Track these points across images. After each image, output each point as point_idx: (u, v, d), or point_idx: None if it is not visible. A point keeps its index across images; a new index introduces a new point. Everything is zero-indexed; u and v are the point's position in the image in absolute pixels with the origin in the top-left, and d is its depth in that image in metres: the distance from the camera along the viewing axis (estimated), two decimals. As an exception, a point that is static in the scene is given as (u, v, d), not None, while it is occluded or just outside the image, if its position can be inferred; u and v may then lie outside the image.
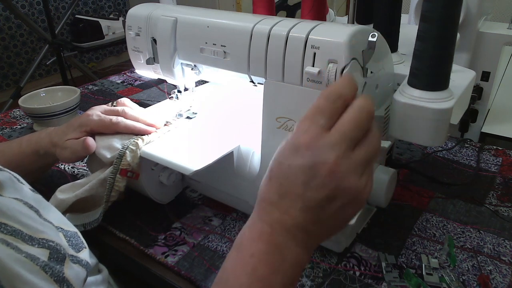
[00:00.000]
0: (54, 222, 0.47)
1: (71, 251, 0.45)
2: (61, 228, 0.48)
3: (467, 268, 0.55)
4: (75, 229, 0.50)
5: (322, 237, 0.41)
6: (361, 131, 0.38)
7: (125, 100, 0.68)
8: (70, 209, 0.61)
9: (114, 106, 0.67)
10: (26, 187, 0.49)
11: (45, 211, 0.48)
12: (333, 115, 0.38)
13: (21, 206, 0.45)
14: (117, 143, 0.61)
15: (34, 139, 0.66)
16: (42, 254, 0.40)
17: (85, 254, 0.48)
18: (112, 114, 0.64)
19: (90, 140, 0.62)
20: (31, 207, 0.46)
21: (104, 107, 0.66)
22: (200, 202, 0.70)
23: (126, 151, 0.59)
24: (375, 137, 0.40)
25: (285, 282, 0.38)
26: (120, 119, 0.63)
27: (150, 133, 0.63)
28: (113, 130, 0.63)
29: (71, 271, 0.43)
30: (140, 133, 0.63)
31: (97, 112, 0.64)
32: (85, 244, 0.50)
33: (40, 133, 0.67)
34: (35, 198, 0.49)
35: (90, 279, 0.51)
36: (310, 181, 0.37)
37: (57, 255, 0.42)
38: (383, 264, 0.55)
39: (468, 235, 0.61)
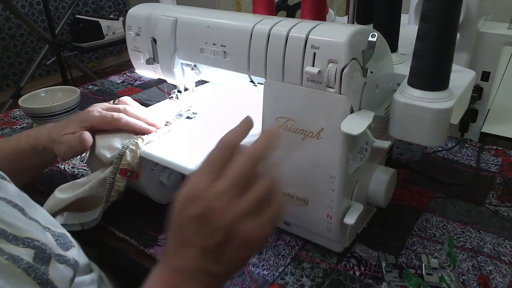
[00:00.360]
0: (40, 221, 0.46)
1: (58, 250, 0.45)
2: (48, 228, 0.47)
3: (467, 268, 0.55)
4: (63, 230, 0.50)
5: (225, 277, 0.43)
6: (246, 178, 0.40)
7: (126, 98, 0.67)
8: (69, 208, 0.61)
9: (116, 104, 0.66)
10: (11, 186, 0.49)
11: (31, 210, 0.48)
12: (222, 164, 0.41)
13: (4, 205, 0.44)
14: (117, 143, 0.61)
15: (33, 134, 0.65)
16: (26, 255, 0.40)
17: (74, 253, 0.47)
18: (114, 111, 0.63)
19: (86, 134, 0.61)
20: (15, 205, 0.45)
21: (106, 104, 0.66)
22: (200, 202, 0.69)
23: (126, 150, 0.59)
24: (264, 182, 0.41)
25: None
26: (122, 115, 0.62)
27: (150, 133, 0.63)
28: (114, 126, 0.62)
29: (57, 272, 0.42)
30: (141, 132, 0.63)
31: (98, 108, 0.64)
32: (74, 243, 0.49)
33: (39, 129, 0.66)
34: (21, 196, 0.48)
35: (80, 278, 0.50)
36: (202, 229, 0.40)
37: (43, 255, 0.41)
38: (383, 264, 0.55)
39: (468, 235, 0.61)
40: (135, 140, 0.60)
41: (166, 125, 0.66)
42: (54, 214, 0.60)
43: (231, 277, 0.44)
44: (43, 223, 0.47)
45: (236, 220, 0.39)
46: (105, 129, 0.63)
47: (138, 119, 0.64)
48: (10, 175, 0.53)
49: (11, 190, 0.48)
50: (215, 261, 0.40)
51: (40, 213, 0.49)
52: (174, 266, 0.41)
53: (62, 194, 0.60)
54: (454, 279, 0.53)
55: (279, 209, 0.42)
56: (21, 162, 0.63)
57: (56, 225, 0.50)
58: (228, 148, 0.42)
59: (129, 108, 0.64)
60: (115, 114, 0.62)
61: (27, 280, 0.38)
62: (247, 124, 0.44)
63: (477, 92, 0.92)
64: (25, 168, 0.63)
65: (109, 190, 0.59)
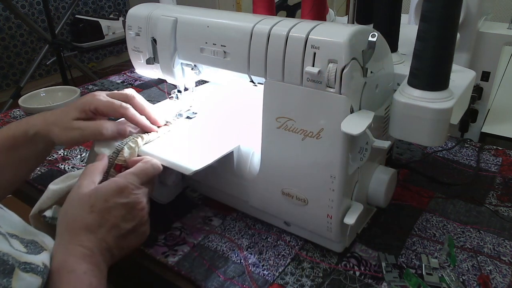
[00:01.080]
0: (2, 229, 0.44)
1: (25, 258, 0.42)
2: (16, 236, 0.45)
3: (467, 268, 0.55)
4: (34, 237, 0.47)
5: (115, 259, 0.52)
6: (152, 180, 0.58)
7: (132, 90, 0.64)
8: (62, 201, 0.59)
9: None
10: None
11: None
12: (144, 181, 0.56)
13: None
14: (117, 141, 0.61)
15: (24, 120, 0.62)
16: None
17: (44, 257, 0.45)
18: (120, 97, 0.62)
19: (107, 123, 0.59)
20: None
21: (111, 92, 0.63)
22: (200, 202, 0.70)
23: (125, 147, 0.59)
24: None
25: None
26: (130, 106, 0.61)
27: (152, 131, 0.63)
28: (120, 114, 0.60)
29: (21, 283, 0.40)
30: (143, 128, 0.62)
31: (103, 94, 0.61)
32: (46, 247, 0.47)
33: (32, 115, 0.63)
34: None
35: None
36: (127, 214, 0.52)
37: (4, 267, 0.39)
38: (383, 264, 0.55)
39: (468, 235, 0.61)
40: (135, 138, 0.60)
41: (166, 125, 0.66)
42: (47, 208, 0.58)
43: (117, 259, 0.53)
44: (6, 230, 0.44)
45: (146, 217, 0.54)
46: (108, 115, 0.61)
47: (143, 109, 0.62)
48: (1, 172, 0.52)
49: None
50: (119, 246, 0.51)
51: (7, 220, 0.47)
52: (90, 245, 0.48)
53: (55, 185, 0.59)
54: (454, 279, 0.53)
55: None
56: (13, 152, 0.60)
57: (29, 232, 0.47)
58: (152, 174, 0.57)
59: (138, 98, 0.63)
60: (124, 103, 0.60)
61: None
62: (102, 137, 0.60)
63: (477, 92, 0.92)
64: (18, 160, 0.60)
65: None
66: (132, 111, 0.61)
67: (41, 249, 0.46)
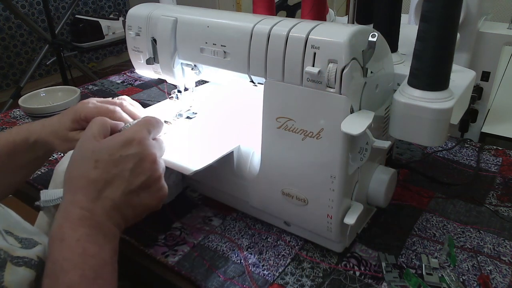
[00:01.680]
0: None
1: (19, 252, 0.42)
2: (10, 233, 0.45)
3: (467, 268, 0.55)
4: (30, 235, 0.47)
5: (128, 220, 0.49)
6: (164, 150, 0.55)
7: (125, 97, 0.66)
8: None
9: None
10: None
11: None
12: (152, 132, 0.52)
13: None
14: None
15: (25, 126, 0.62)
16: None
17: (39, 249, 0.45)
18: (109, 104, 0.61)
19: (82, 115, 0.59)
20: None
21: (101, 99, 0.63)
22: (200, 202, 0.70)
23: None
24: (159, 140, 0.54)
25: (111, 255, 0.45)
26: (117, 108, 0.60)
27: None
28: (109, 117, 0.59)
29: (14, 277, 0.40)
30: None
31: (92, 100, 0.62)
32: (42, 241, 0.46)
33: (31, 122, 0.64)
34: None
35: None
36: (136, 167, 0.47)
37: None
38: (383, 264, 0.55)
39: (468, 235, 0.61)
40: None
41: (165, 124, 0.66)
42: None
43: (131, 223, 0.50)
44: (3, 227, 0.44)
45: (161, 171, 0.50)
46: None
47: (134, 115, 0.62)
48: (1, 175, 0.52)
49: None
50: (130, 204, 0.48)
51: (4, 218, 0.47)
52: (91, 205, 0.45)
53: (63, 166, 0.57)
54: (454, 279, 0.53)
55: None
56: (13, 157, 0.60)
57: (27, 231, 0.47)
58: (160, 125, 0.54)
59: (126, 104, 0.63)
60: (110, 106, 0.60)
61: None
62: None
63: (477, 92, 0.92)
64: (17, 166, 0.60)
65: None
66: (118, 114, 0.60)
67: (35, 244, 0.45)
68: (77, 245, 0.42)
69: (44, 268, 0.42)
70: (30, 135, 0.60)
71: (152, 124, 0.52)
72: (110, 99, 0.64)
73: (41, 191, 0.53)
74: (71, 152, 0.56)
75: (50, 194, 0.52)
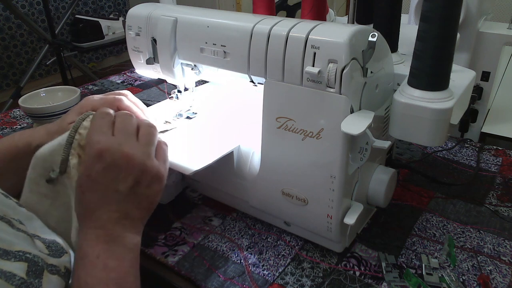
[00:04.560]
0: (28, 231, 0.44)
1: (50, 260, 0.43)
2: (38, 236, 0.46)
3: (467, 268, 0.55)
4: (52, 237, 0.48)
5: (144, 217, 0.49)
6: (133, 126, 0.50)
7: (127, 92, 0.65)
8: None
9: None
10: None
11: (20, 217, 0.46)
12: (110, 124, 0.49)
13: None
14: None
15: (28, 131, 0.63)
16: (19, 269, 0.38)
17: (66, 259, 0.46)
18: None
19: (85, 103, 0.59)
20: (1, 218, 0.43)
21: (104, 94, 0.64)
22: (200, 202, 0.70)
23: None
24: (145, 125, 0.51)
25: (133, 264, 0.46)
26: (123, 97, 0.61)
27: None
28: (115, 107, 0.60)
29: (49, 285, 0.40)
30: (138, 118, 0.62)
31: (97, 95, 0.62)
32: (66, 249, 0.48)
33: (35, 128, 0.64)
34: (8, 204, 0.47)
35: None
36: (117, 175, 0.46)
37: (35, 268, 0.40)
38: (383, 264, 0.55)
39: (468, 235, 0.61)
40: None
41: (165, 124, 0.66)
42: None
43: (147, 217, 0.50)
44: (30, 231, 0.45)
45: (143, 159, 0.47)
46: None
47: (131, 110, 0.62)
48: (3, 178, 0.52)
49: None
50: (134, 203, 0.47)
51: (28, 220, 0.47)
52: (101, 223, 0.46)
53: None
54: (454, 279, 0.53)
55: (163, 144, 0.52)
56: (16, 162, 0.60)
57: (46, 231, 0.48)
58: (106, 114, 0.50)
59: (130, 97, 0.63)
60: (117, 96, 0.61)
61: None
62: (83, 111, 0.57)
63: (477, 92, 0.92)
64: (20, 170, 0.62)
65: None
66: (125, 102, 0.61)
67: (62, 252, 0.47)
68: (98, 261, 0.44)
69: (70, 281, 0.44)
70: (33, 140, 0.60)
71: (101, 116, 0.49)
72: (112, 93, 0.64)
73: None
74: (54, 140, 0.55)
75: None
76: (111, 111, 0.50)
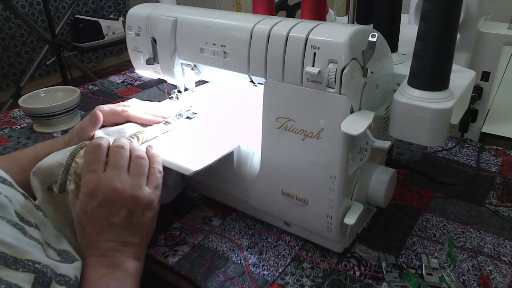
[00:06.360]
0: (39, 239, 0.45)
1: (61, 269, 0.43)
2: (49, 244, 0.47)
3: (467, 268, 0.55)
4: (66, 247, 0.49)
5: (143, 243, 0.53)
6: (124, 159, 0.53)
7: (132, 101, 0.70)
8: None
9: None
10: (18, 195, 0.48)
11: (36, 221, 0.47)
12: (101, 160, 0.52)
13: (3, 225, 0.41)
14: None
15: (50, 142, 0.66)
16: (26, 281, 0.38)
17: (77, 266, 0.47)
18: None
19: (96, 111, 0.63)
20: (15, 224, 0.43)
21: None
22: (200, 202, 0.70)
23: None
24: (135, 157, 0.54)
25: (133, 287, 0.49)
26: (130, 108, 0.65)
27: (158, 123, 0.66)
28: (123, 118, 0.65)
29: None
30: (149, 123, 0.66)
31: (107, 105, 0.66)
32: (78, 257, 0.49)
33: (56, 138, 0.68)
34: (27, 207, 0.48)
35: None
36: (110, 210, 0.50)
37: (43, 279, 0.40)
38: (383, 264, 0.55)
39: (468, 235, 0.61)
40: (131, 139, 0.60)
41: (165, 124, 0.66)
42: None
43: (147, 242, 0.54)
44: (43, 238, 0.45)
45: (133, 191, 0.51)
46: (114, 122, 0.65)
47: (142, 119, 0.66)
48: (26, 187, 0.52)
49: (17, 200, 0.47)
50: (131, 232, 0.51)
51: (42, 227, 0.48)
52: (103, 251, 0.49)
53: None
54: (454, 279, 0.53)
55: (157, 171, 0.55)
56: None
57: (59, 241, 0.49)
58: (96, 149, 0.53)
59: (137, 105, 0.68)
60: (124, 107, 0.65)
61: None
62: (96, 119, 0.61)
63: (477, 92, 0.92)
64: None
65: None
66: (133, 112, 0.65)
67: (73, 258, 0.48)
68: (100, 282, 0.47)
69: None
70: (54, 150, 0.62)
71: (91, 151, 0.53)
72: (121, 103, 0.69)
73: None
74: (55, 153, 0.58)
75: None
76: (104, 143, 0.54)
